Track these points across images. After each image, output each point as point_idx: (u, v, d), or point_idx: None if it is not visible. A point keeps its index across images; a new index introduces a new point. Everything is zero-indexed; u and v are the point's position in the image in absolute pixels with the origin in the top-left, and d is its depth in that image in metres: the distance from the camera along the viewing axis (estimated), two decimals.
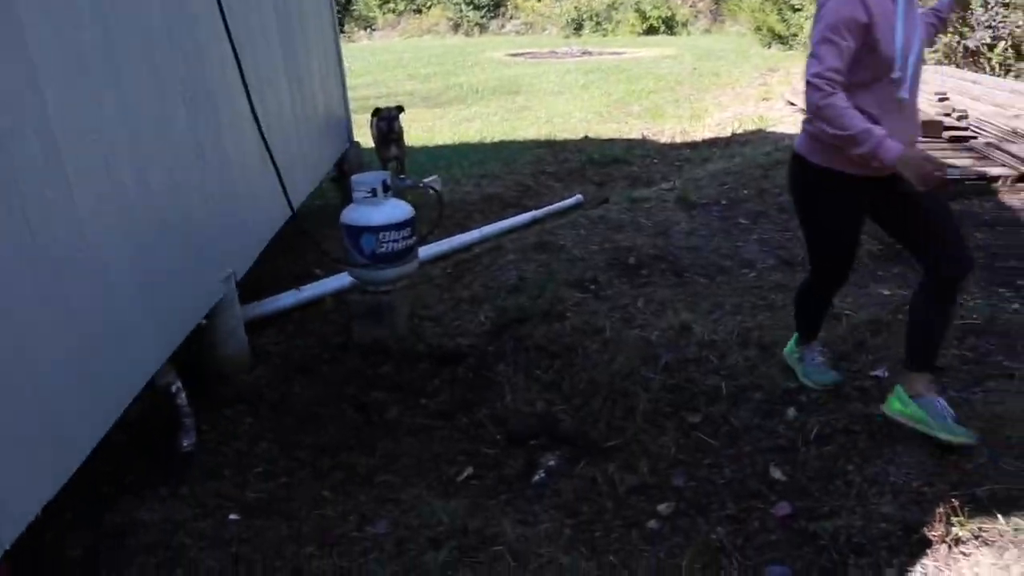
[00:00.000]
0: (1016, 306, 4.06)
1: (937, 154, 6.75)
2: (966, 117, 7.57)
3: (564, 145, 8.12)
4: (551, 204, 6.16)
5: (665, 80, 12.40)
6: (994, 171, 6.30)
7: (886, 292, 4.14)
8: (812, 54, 2.47)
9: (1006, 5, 10.18)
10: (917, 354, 2.73)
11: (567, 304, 4.03)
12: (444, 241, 5.34)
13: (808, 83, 2.45)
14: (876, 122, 2.42)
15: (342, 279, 4.44)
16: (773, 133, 8.07)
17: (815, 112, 2.47)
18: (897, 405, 2.72)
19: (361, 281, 4.09)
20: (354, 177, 4.11)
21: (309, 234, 4.68)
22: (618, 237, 4.88)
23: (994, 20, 10.17)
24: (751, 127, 8.51)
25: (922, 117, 7.32)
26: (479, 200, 6.33)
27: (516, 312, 4.01)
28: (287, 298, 4.41)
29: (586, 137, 8.47)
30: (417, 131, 9.54)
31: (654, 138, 8.36)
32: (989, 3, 10.26)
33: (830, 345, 3.42)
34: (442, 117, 10.71)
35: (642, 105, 10.39)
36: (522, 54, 20.21)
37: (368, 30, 38.93)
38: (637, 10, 28.38)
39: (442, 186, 6.59)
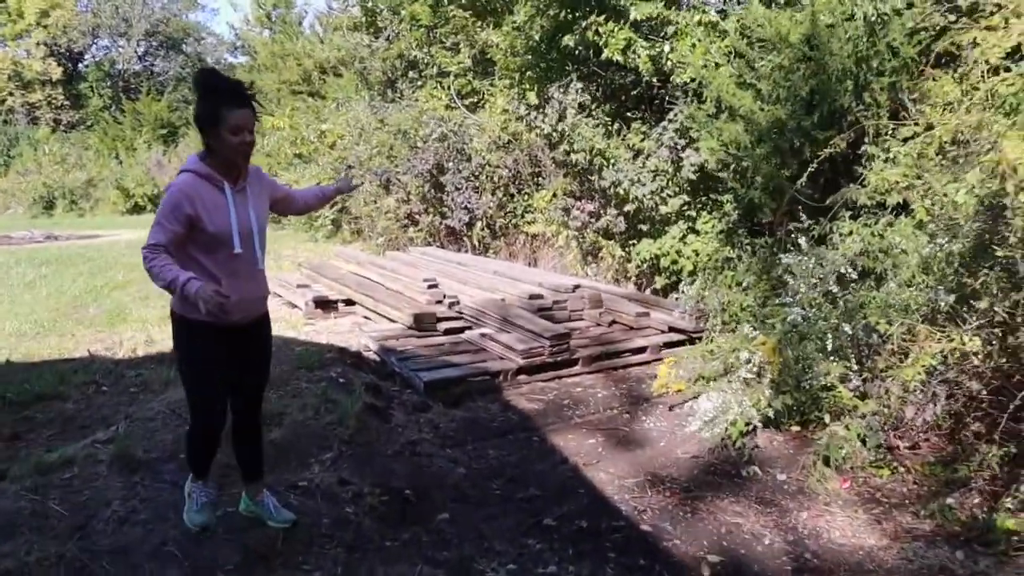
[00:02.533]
0: (552, 568, 3.22)
1: (434, 351, 6.15)
2: (458, 303, 7.22)
3: None
4: None
5: (138, 270, 10.63)
6: (494, 366, 5.81)
7: None
8: (151, 231, 3.00)
9: (476, 190, 10.58)
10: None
11: None
12: None
13: (143, 253, 2.95)
14: (220, 285, 3.04)
15: None
16: None
17: (149, 273, 2.93)
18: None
19: None
20: None
21: None
22: None
23: (469, 203, 10.48)
24: None
25: (415, 309, 6.75)
26: None
27: None
28: None
29: (8, 362, 6.35)
30: None
31: (107, 353, 6.53)
32: (461, 187, 10.57)
33: None
34: None
35: (102, 306, 8.46)
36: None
37: None
38: (119, 187, 26.08)
39: None
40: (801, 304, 4.92)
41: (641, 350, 6.39)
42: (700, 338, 6.62)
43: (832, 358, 4.66)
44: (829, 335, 4.55)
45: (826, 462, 4.23)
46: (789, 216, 6.23)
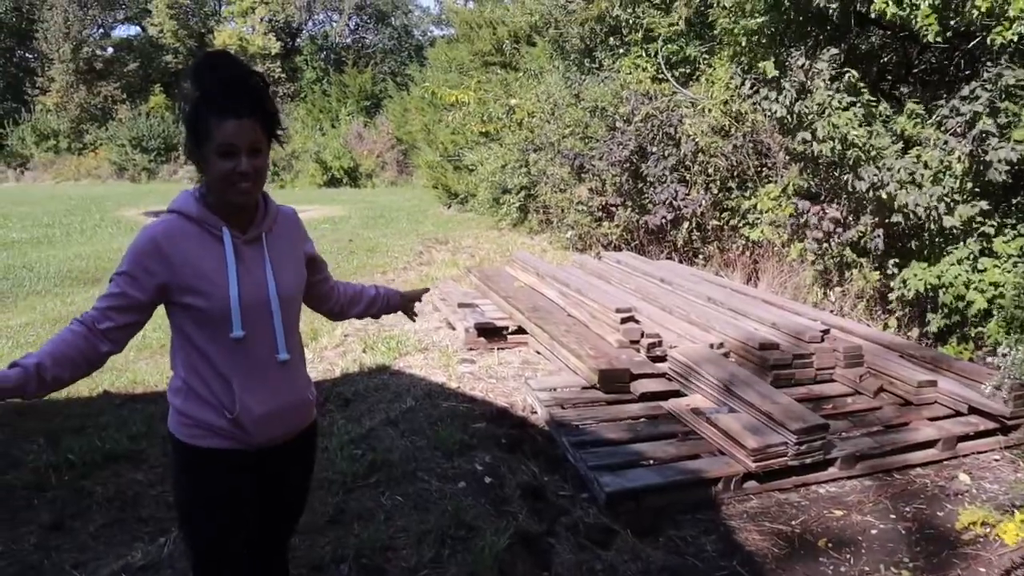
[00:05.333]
0: None
1: (624, 431, 4.34)
2: (660, 344, 5.44)
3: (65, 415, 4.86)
4: None
5: (329, 256, 9.63)
6: (711, 468, 4.00)
7: None
8: None
9: (684, 182, 8.66)
10: None
11: None
12: None
13: None
14: (231, 389, 2.02)
15: None
16: (400, 376, 5.42)
17: None
18: None
19: None
20: None
21: None
22: None
23: (674, 199, 8.57)
24: (378, 358, 5.85)
25: (602, 359, 4.99)
26: None
27: None
28: None
29: (104, 394, 5.29)
30: None
31: None
32: (665, 179, 8.69)
33: None
34: None
35: None
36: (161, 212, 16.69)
37: (19, 170, 33.53)
38: (318, 160, 26.09)
39: None
40: None
41: (928, 444, 4.36)
42: (1018, 426, 4.49)
43: None
44: None
45: None
46: None
